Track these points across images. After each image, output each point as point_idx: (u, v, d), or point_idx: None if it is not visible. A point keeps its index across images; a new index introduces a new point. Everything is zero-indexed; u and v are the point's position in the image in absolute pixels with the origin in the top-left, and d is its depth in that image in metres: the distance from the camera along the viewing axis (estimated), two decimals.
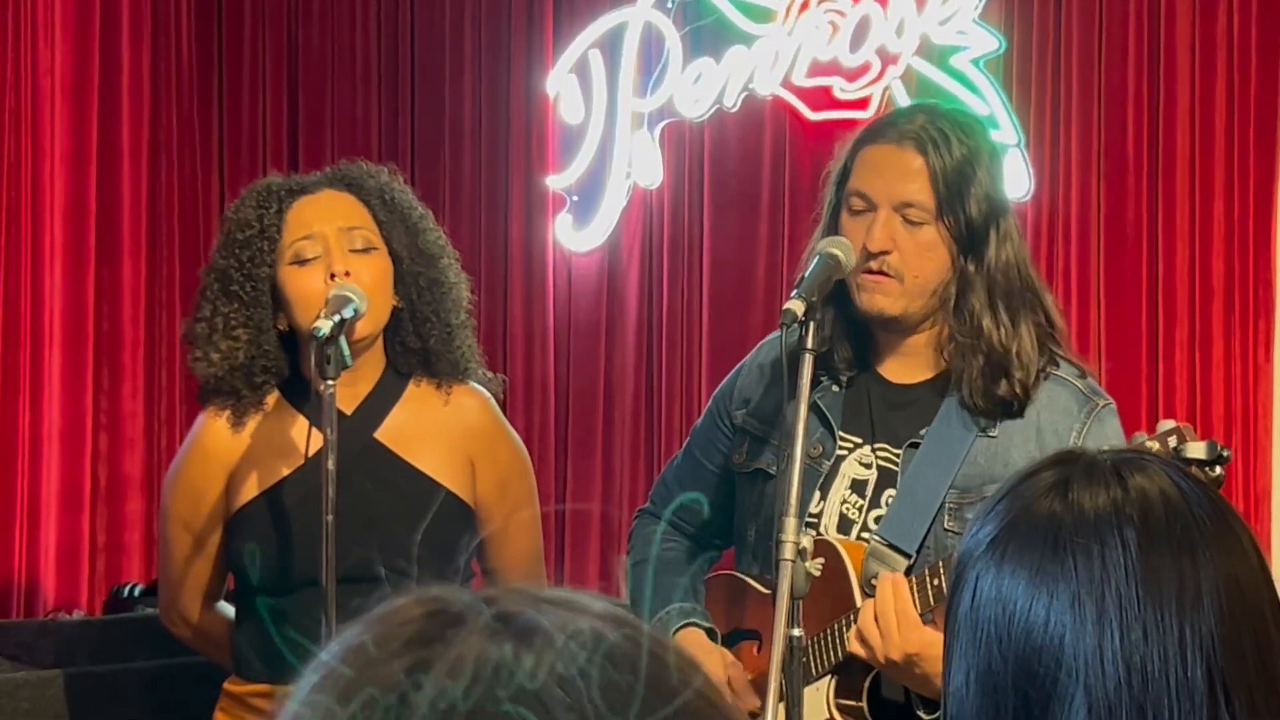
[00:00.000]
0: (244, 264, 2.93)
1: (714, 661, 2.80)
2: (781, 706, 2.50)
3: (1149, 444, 2.40)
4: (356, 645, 0.90)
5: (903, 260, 2.72)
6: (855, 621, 2.65)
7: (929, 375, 2.80)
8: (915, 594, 2.58)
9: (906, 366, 2.82)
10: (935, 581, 2.57)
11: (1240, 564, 1.46)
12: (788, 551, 2.48)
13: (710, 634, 2.88)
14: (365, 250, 2.94)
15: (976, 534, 1.51)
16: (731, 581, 2.92)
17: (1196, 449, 2.36)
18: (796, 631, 2.49)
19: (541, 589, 0.93)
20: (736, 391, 2.96)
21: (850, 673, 2.69)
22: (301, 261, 2.92)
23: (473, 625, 0.89)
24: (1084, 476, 1.49)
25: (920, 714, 2.64)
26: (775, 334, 2.95)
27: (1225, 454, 2.36)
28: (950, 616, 1.51)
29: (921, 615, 2.57)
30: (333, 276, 2.88)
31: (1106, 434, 2.70)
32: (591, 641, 0.88)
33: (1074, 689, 1.41)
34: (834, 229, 2.79)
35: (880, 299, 2.72)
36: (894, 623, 2.55)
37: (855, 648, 2.61)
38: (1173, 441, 2.39)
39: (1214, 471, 2.36)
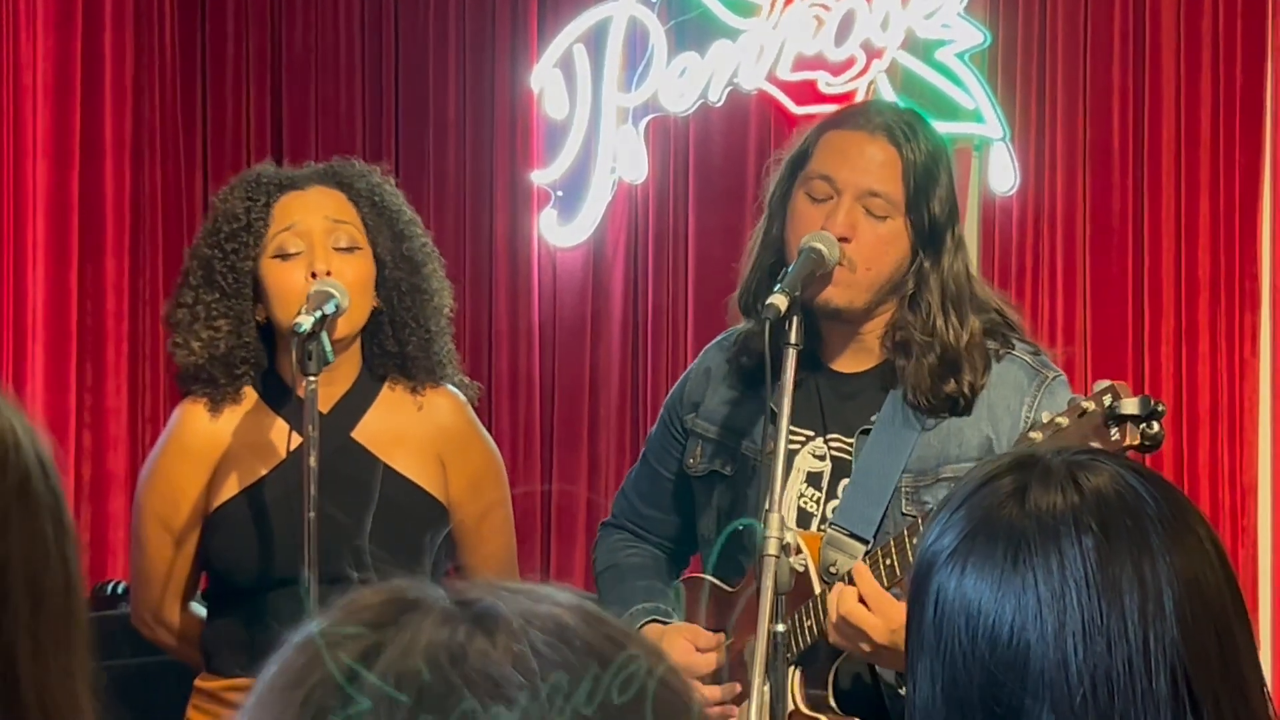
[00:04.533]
0: (228, 255, 2.92)
1: (676, 644, 2.78)
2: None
3: (1085, 404, 2.40)
4: (313, 633, 0.90)
5: (858, 251, 2.69)
6: (815, 610, 2.64)
7: (874, 363, 2.79)
8: (882, 568, 2.57)
9: (853, 355, 2.81)
10: (888, 561, 2.57)
11: (1200, 564, 1.45)
12: (771, 547, 2.48)
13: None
14: (349, 250, 2.93)
15: (934, 544, 1.49)
16: (699, 584, 2.92)
17: (1130, 405, 2.36)
18: (780, 627, 2.48)
19: (503, 581, 0.92)
20: (685, 397, 2.95)
21: (815, 662, 2.69)
22: (284, 256, 2.91)
23: (428, 610, 0.89)
24: (1040, 482, 1.47)
25: (903, 689, 2.62)
26: (720, 338, 2.97)
27: (1160, 409, 2.36)
28: (912, 628, 1.50)
29: (893, 586, 2.57)
30: (314, 275, 2.87)
31: (1057, 405, 2.67)
32: (550, 625, 0.88)
33: (1040, 704, 1.40)
34: (782, 215, 2.78)
35: (829, 288, 2.69)
36: (865, 611, 2.54)
37: (838, 641, 2.60)
38: (1108, 400, 2.37)
39: (1151, 428, 2.36)
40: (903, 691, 2.62)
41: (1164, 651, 1.40)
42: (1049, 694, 1.40)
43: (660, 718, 0.87)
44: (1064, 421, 2.40)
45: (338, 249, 2.92)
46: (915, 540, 2.53)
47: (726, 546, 2.79)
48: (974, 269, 2.81)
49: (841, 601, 2.56)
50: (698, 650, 2.79)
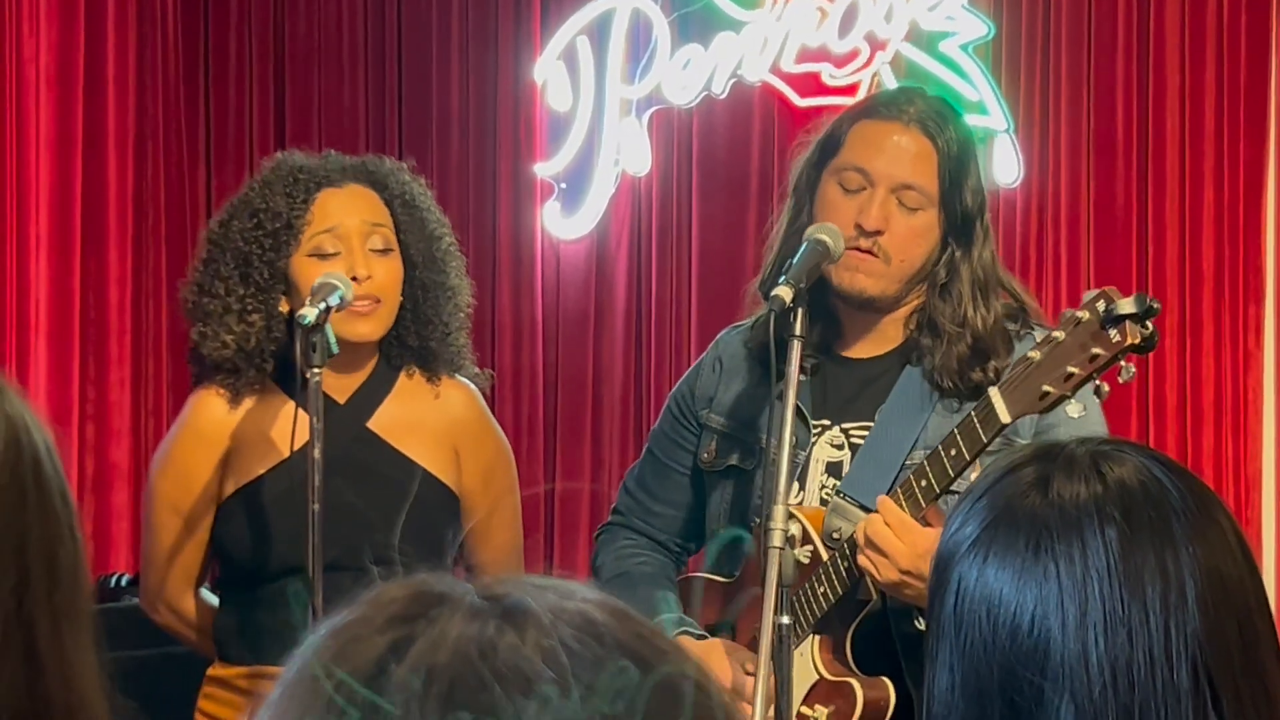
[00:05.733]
0: (266, 251, 2.95)
1: (724, 664, 2.76)
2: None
3: (1079, 314, 2.38)
4: (340, 626, 0.89)
5: (892, 243, 2.70)
6: (828, 576, 2.64)
7: (890, 347, 2.80)
8: (904, 502, 2.56)
9: (870, 342, 2.81)
10: (923, 482, 2.56)
11: (1223, 555, 1.45)
12: (776, 539, 2.47)
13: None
14: (384, 252, 2.97)
15: (957, 533, 1.49)
16: (694, 584, 2.92)
17: (1127, 304, 2.34)
18: (786, 619, 2.48)
19: (531, 575, 0.92)
20: (697, 391, 2.94)
21: (831, 629, 2.70)
22: (321, 255, 2.94)
23: (457, 604, 0.88)
24: (1064, 472, 1.47)
25: (919, 623, 2.61)
26: (728, 330, 2.96)
27: (1155, 305, 2.34)
28: (933, 618, 1.50)
29: (916, 519, 2.56)
30: (355, 279, 2.89)
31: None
32: (579, 621, 0.87)
33: (1060, 693, 1.40)
34: (809, 203, 2.77)
35: (863, 278, 2.71)
36: (892, 535, 2.54)
37: (865, 565, 2.58)
38: (1102, 305, 2.36)
39: (1147, 328, 2.35)
40: (920, 626, 2.59)
41: (1185, 642, 1.40)
42: (1069, 684, 1.39)
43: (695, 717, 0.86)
44: (1060, 335, 2.39)
45: (373, 251, 2.94)
46: (954, 452, 2.52)
47: (724, 538, 2.80)
48: (995, 255, 2.82)
49: (869, 525, 2.56)
50: (746, 673, 2.73)
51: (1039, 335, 2.75)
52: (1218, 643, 1.41)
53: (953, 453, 2.53)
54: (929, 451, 2.68)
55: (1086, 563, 1.42)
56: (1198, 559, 1.43)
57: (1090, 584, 1.41)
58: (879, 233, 2.69)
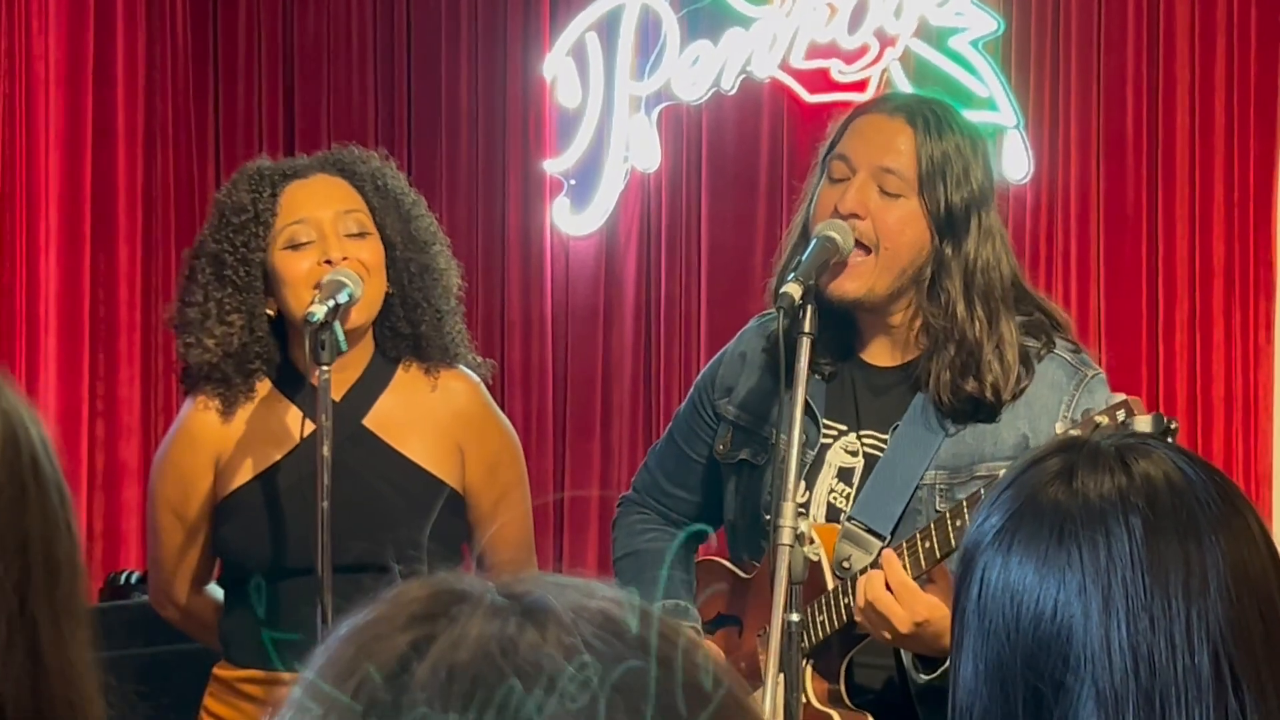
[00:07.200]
0: (238, 248, 2.90)
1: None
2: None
3: (1099, 419, 2.40)
4: (361, 625, 0.89)
5: (875, 229, 2.66)
6: (828, 605, 2.64)
7: (910, 357, 2.76)
8: (906, 559, 2.55)
9: (888, 348, 2.77)
10: (927, 544, 2.54)
11: (1247, 547, 1.46)
12: (785, 536, 2.47)
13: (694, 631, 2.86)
14: (360, 235, 2.92)
15: (982, 524, 1.50)
16: (714, 567, 2.91)
17: (1143, 423, 2.34)
18: (795, 617, 2.47)
19: (551, 574, 0.92)
20: (718, 380, 2.91)
21: (827, 656, 2.69)
22: (295, 246, 2.90)
23: (478, 603, 0.88)
24: (1088, 464, 1.48)
25: (920, 675, 2.61)
26: (755, 322, 2.93)
27: (1173, 426, 2.34)
28: (958, 608, 1.50)
29: (918, 578, 2.54)
30: (329, 262, 2.86)
31: (1095, 403, 2.65)
32: (600, 619, 0.87)
33: (1082, 680, 1.41)
34: (813, 201, 2.77)
35: (844, 281, 2.67)
36: (892, 600, 2.53)
37: (863, 624, 2.59)
38: (1120, 415, 2.38)
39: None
40: (923, 678, 2.60)
41: (1207, 630, 1.41)
42: (1091, 670, 1.40)
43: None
44: (1077, 434, 2.39)
45: (349, 236, 2.91)
46: (959, 523, 2.51)
47: (748, 533, 2.78)
48: (1007, 265, 2.73)
49: (870, 587, 2.55)
50: None
51: (1061, 350, 2.72)
52: (1240, 631, 1.42)
53: (958, 524, 2.51)
54: (943, 472, 2.67)
55: (1110, 550, 1.43)
56: (1221, 550, 1.44)
57: (1114, 571, 1.42)
58: (855, 216, 2.66)
